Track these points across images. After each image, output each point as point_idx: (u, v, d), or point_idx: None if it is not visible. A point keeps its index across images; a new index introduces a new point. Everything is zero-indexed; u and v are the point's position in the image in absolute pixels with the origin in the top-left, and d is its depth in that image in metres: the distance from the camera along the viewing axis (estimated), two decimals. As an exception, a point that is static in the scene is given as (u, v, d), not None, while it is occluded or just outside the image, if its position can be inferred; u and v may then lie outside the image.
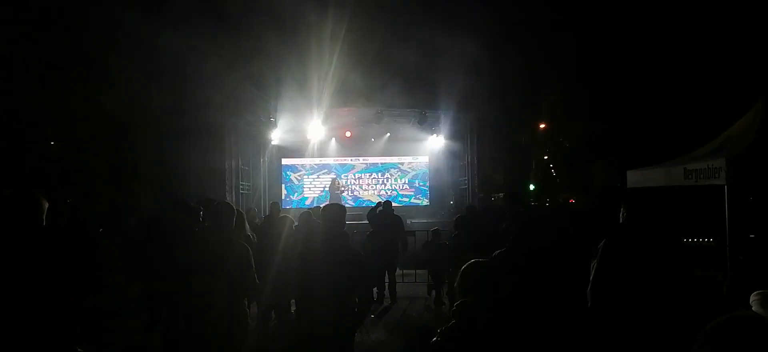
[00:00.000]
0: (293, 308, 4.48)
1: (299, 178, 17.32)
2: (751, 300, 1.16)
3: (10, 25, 10.49)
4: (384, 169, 17.40)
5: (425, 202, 17.28)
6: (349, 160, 17.36)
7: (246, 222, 6.13)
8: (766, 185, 6.19)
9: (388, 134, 16.36)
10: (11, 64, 10.53)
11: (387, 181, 17.36)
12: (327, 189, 16.58)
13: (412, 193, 17.36)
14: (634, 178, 8.09)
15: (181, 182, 12.84)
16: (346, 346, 3.54)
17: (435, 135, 16.77)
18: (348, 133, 16.43)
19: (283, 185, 17.22)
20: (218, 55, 12.06)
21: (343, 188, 16.71)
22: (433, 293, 8.66)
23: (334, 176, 16.74)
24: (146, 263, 5.37)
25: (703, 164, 6.20)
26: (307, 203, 16.63)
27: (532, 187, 28.82)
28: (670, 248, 3.10)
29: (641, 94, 20.65)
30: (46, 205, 3.23)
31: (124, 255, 9.31)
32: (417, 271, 9.80)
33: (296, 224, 5.95)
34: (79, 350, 3.32)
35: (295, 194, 17.18)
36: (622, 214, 3.21)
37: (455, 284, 2.44)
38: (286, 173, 17.30)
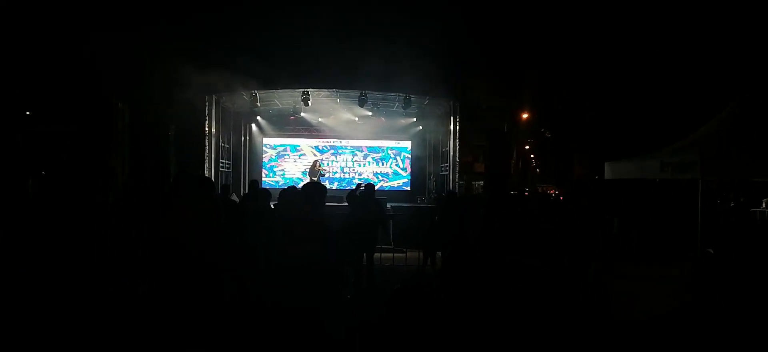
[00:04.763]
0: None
1: (280, 157, 17.19)
2: None
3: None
4: (366, 152, 17.36)
5: (406, 186, 17.32)
6: (331, 142, 17.27)
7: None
8: (738, 180, 6.34)
9: (370, 114, 16.19)
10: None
11: (369, 164, 17.34)
12: (306, 170, 16.50)
13: (394, 176, 17.38)
14: (612, 170, 8.23)
15: (160, 160, 12.59)
16: (314, 320, 3.54)
17: (417, 119, 16.75)
18: (331, 116, 16.32)
19: (263, 164, 17.09)
20: (198, 31, 11.83)
21: (324, 171, 16.62)
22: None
23: (317, 159, 16.58)
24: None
25: (678, 158, 6.33)
26: (287, 181, 16.54)
27: (511, 176, 29.06)
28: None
29: (621, 88, 20.95)
30: None
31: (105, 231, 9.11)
32: (394, 255, 9.82)
33: (275, 202, 5.91)
34: None
35: (276, 173, 17.06)
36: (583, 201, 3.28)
37: (439, 270, 2.48)
38: (266, 152, 17.15)
